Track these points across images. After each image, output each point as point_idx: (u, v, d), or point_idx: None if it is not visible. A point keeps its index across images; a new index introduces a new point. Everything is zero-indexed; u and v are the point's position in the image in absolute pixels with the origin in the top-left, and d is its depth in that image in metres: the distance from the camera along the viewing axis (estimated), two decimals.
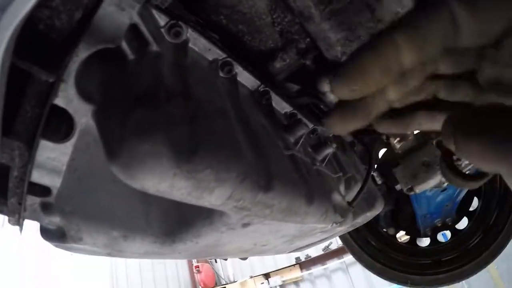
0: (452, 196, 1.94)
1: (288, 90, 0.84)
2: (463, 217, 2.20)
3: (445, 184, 1.35)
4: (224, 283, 9.09)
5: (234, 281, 8.80)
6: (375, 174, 1.78)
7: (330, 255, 8.03)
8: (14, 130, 0.40)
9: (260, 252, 0.98)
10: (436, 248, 2.21)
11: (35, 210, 0.61)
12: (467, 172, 0.86)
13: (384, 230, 2.27)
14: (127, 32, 0.47)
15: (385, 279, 2.24)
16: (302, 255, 8.28)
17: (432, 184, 1.25)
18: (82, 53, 0.42)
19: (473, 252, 2.11)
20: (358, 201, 1.12)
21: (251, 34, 0.71)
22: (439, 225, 2.13)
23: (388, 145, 1.60)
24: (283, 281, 8.24)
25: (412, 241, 2.28)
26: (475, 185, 0.86)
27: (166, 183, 0.43)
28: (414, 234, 2.25)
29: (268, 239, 0.80)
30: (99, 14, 0.43)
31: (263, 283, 8.25)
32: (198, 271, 8.83)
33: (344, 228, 1.29)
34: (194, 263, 9.24)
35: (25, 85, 0.37)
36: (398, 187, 1.32)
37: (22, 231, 0.65)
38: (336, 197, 0.92)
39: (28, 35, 0.38)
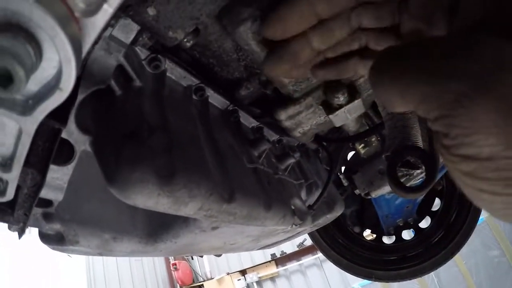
0: (412, 198, 2.06)
1: (253, 112, 0.97)
2: (425, 216, 2.34)
3: None
4: (202, 280, 9.17)
5: (211, 278, 8.89)
6: (341, 177, 1.91)
7: (304, 251, 8.21)
8: (29, 160, 0.50)
9: (230, 250, 1.10)
10: (400, 245, 2.34)
11: (37, 219, 0.72)
12: (409, 184, 0.96)
13: (350, 228, 2.42)
14: (114, 71, 0.58)
15: (351, 274, 2.37)
16: (277, 251, 8.40)
17: (387, 190, 1.37)
18: (80, 96, 0.53)
19: (435, 249, 2.25)
20: (318, 204, 1.25)
21: (220, 66, 0.82)
22: (401, 224, 2.27)
23: (354, 150, 1.72)
24: (259, 277, 8.38)
25: (378, 239, 2.39)
26: (414, 196, 0.96)
27: (152, 201, 0.56)
28: (379, 232, 2.37)
29: (236, 239, 0.93)
30: (91, 59, 0.53)
31: (239, 279, 8.36)
32: (176, 269, 8.89)
33: (306, 228, 1.42)
34: (172, 260, 9.26)
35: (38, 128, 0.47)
36: (357, 191, 1.44)
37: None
38: (296, 202, 1.04)
39: None
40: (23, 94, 0.33)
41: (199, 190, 0.60)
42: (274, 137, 1.08)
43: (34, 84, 0.33)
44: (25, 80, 0.29)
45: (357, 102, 0.80)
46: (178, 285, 9.12)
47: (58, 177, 0.62)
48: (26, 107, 0.34)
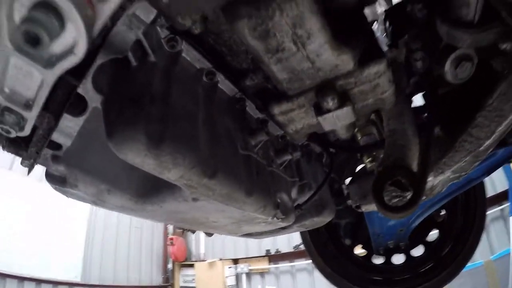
0: (406, 223, 2.07)
1: (256, 103, 1.02)
2: (418, 245, 2.33)
3: None
4: (194, 260, 9.36)
5: (204, 260, 9.03)
6: (344, 187, 1.93)
7: (299, 254, 8.19)
8: (48, 106, 0.59)
9: (213, 228, 1.16)
10: (388, 268, 2.34)
11: (46, 159, 0.82)
12: (393, 204, 0.98)
13: (342, 239, 2.44)
14: (132, 45, 0.65)
15: (332, 283, 2.38)
16: (273, 249, 8.50)
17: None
18: (98, 61, 0.61)
19: (421, 279, 2.26)
20: (307, 205, 1.30)
21: (231, 55, 0.89)
22: (391, 246, 2.25)
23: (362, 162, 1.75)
24: (250, 269, 8.50)
25: (368, 257, 2.40)
26: (392, 216, 0.96)
27: (139, 159, 0.65)
28: (370, 250, 2.36)
29: (217, 217, 0.99)
30: (113, 32, 0.61)
31: (230, 267, 8.50)
32: (172, 244, 9.08)
33: (292, 227, 1.47)
34: (170, 235, 9.51)
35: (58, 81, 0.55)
36: (349, 202, 1.46)
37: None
38: (283, 197, 1.10)
39: None
40: (47, 53, 0.45)
41: (183, 160, 0.67)
42: (279, 132, 1.13)
43: (57, 47, 0.45)
44: (48, 43, 0.43)
45: (346, 110, 0.82)
46: (171, 259, 9.34)
47: (70, 126, 0.73)
48: (49, 63, 0.47)
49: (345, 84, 0.80)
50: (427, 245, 2.35)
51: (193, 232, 1.83)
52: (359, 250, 2.45)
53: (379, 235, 2.16)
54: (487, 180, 6.31)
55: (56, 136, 0.74)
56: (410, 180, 0.95)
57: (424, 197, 1.40)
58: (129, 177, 0.91)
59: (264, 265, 8.48)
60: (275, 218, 1.06)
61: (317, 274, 7.67)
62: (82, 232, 7.64)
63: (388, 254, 2.31)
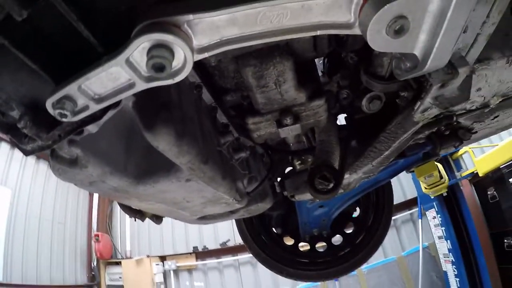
0: (328, 213, 2.48)
1: (229, 112, 1.36)
2: (337, 234, 2.79)
3: (318, 200, 1.87)
4: (120, 257, 9.16)
5: (130, 258, 8.93)
6: (276, 184, 2.30)
7: (226, 250, 8.54)
8: None
9: (181, 208, 1.43)
10: (313, 253, 2.78)
11: (62, 142, 0.84)
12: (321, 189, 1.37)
13: (274, 228, 2.83)
14: None
15: (266, 266, 2.74)
16: (200, 245, 8.69)
17: (308, 197, 1.76)
18: None
19: (340, 261, 2.73)
20: (255, 193, 1.65)
21: (220, 76, 1.23)
22: (316, 234, 2.68)
23: (292, 166, 2.12)
24: (178, 266, 8.57)
25: (295, 245, 2.81)
26: (321, 197, 1.34)
27: (168, 147, 0.92)
28: (297, 239, 2.79)
29: (194, 197, 1.28)
30: None
31: (158, 264, 8.49)
32: (97, 240, 8.76)
33: (240, 211, 1.80)
34: (94, 231, 9.18)
35: None
36: (285, 193, 1.81)
37: None
38: (239, 184, 1.44)
39: None
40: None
41: (193, 149, 0.97)
42: (235, 135, 1.46)
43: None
44: (169, 69, 0.63)
45: (297, 126, 1.26)
46: (96, 257, 8.98)
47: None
48: (150, 80, 0.67)
49: (298, 110, 1.25)
50: (345, 235, 2.82)
51: (160, 221, 2.06)
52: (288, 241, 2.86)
53: (306, 224, 2.56)
54: (398, 189, 7.17)
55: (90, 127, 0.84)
56: (332, 174, 1.36)
57: (342, 190, 1.82)
58: (126, 162, 1.07)
59: (191, 261, 8.63)
60: (234, 200, 1.39)
61: (244, 270, 8.13)
62: (2, 229, 7.11)
63: (313, 241, 2.74)
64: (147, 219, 2.12)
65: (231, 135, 1.34)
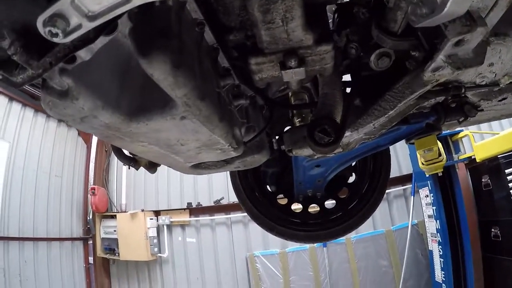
0: (324, 174, 2.46)
1: (231, 53, 1.31)
2: (331, 197, 2.83)
3: (316, 157, 1.84)
4: (116, 211, 9.24)
5: (125, 211, 8.99)
6: (274, 140, 2.28)
7: (219, 208, 8.64)
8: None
9: (176, 152, 1.40)
10: (304, 214, 2.79)
11: (53, 71, 0.83)
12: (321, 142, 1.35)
13: (268, 186, 2.83)
14: None
15: (258, 223, 2.77)
16: (194, 202, 8.79)
17: (306, 153, 1.71)
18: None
19: (331, 224, 2.75)
20: (252, 143, 1.62)
21: (224, 13, 1.17)
22: (310, 195, 2.70)
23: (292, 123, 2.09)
24: (171, 221, 8.70)
25: (288, 205, 2.84)
26: (321, 150, 1.32)
27: (163, 76, 0.88)
28: (291, 198, 2.81)
29: (188, 139, 1.24)
30: None
31: (152, 219, 8.61)
32: (94, 194, 8.77)
33: (235, 164, 1.78)
34: (91, 184, 9.21)
35: None
36: (283, 147, 1.77)
37: None
38: (236, 131, 1.40)
39: None
40: None
41: (190, 83, 0.94)
42: (236, 81, 1.41)
43: None
44: None
45: (301, 69, 1.20)
46: (91, 210, 9.05)
47: (96, 42, 0.82)
48: None
49: (304, 53, 1.18)
50: (338, 199, 2.83)
51: (154, 170, 2.05)
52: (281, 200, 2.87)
53: (301, 183, 2.55)
54: (395, 163, 7.25)
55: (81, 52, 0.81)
56: (333, 128, 1.33)
57: (341, 149, 1.80)
58: (119, 97, 1.02)
59: (185, 217, 8.74)
60: (230, 146, 1.36)
61: (235, 228, 8.30)
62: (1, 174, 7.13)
63: (306, 202, 2.76)
64: (141, 168, 2.12)
65: (231, 78, 1.29)
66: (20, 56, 0.72)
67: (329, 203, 2.85)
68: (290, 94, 2.07)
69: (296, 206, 2.82)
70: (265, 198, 2.82)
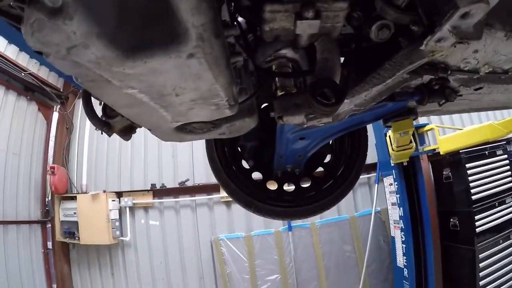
0: (306, 148, 2.41)
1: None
2: (307, 175, 2.81)
3: (305, 125, 1.79)
4: (76, 192, 8.85)
5: (86, 192, 8.65)
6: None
7: (184, 190, 8.45)
8: None
9: (166, 106, 1.28)
10: (280, 191, 2.77)
11: None
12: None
13: (246, 160, 2.77)
14: None
15: (234, 199, 2.71)
16: (158, 183, 8.57)
17: (296, 121, 1.66)
18: None
19: (306, 202, 2.75)
20: (244, 105, 1.55)
21: None
22: (289, 170, 2.68)
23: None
24: (134, 203, 8.42)
25: (263, 181, 2.80)
26: (326, 109, 1.36)
27: None
28: (267, 175, 2.77)
29: (186, 87, 1.12)
30: None
31: (114, 200, 8.31)
32: (53, 173, 8.31)
33: (224, 132, 1.70)
34: (50, 163, 8.77)
35: None
36: (272, 114, 1.73)
37: None
38: (233, 88, 1.32)
39: None
40: None
41: (210, 12, 0.86)
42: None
43: None
44: None
45: (316, 22, 1.22)
46: (50, 191, 8.60)
47: None
48: None
49: (321, 6, 1.20)
50: (313, 178, 2.83)
51: (129, 137, 1.93)
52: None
53: (282, 157, 2.51)
54: None
55: None
56: (334, 90, 1.31)
57: (330, 120, 1.77)
58: (117, 28, 0.88)
59: (148, 199, 8.49)
60: (227, 102, 1.28)
61: (200, 212, 8.21)
62: None
63: (283, 179, 2.74)
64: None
65: (236, 29, 1.22)
66: None
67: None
68: (274, 67, 2.02)
69: (273, 186, 2.79)
70: (241, 173, 2.76)
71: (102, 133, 1.96)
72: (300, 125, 1.79)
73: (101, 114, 1.80)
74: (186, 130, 1.66)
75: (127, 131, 1.95)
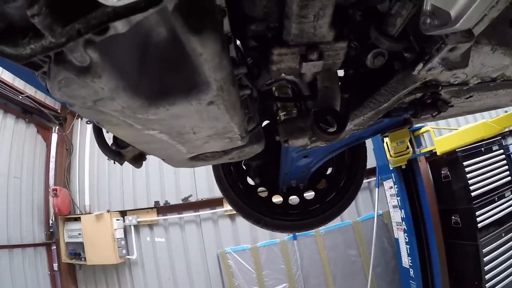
0: (309, 165, 2.52)
1: (251, 43, 1.36)
2: (310, 188, 2.92)
3: (309, 147, 1.90)
4: (80, 213, 8.83)
5: (90, 213, 8.62)
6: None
7: (187, 206, 8.52)
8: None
9: (183, 142, 1.37)
10: (285, 205, 2.87)
11: (78, 43, 0.70)
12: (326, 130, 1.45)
13: (252, 178, 2.88)
14: None
15: (243, 215, 2.81)
16: (162, 200, 8.61)
17: (301, 143, 1.77)
18: None
19: (310, 215, 2.86)
20: (254, 132, 1.66)
21: (249, 4, 1.21)
22: (294, 185, 2.78)
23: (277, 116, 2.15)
24: (138, 221, 8.44)
25: (269, 197, 2.89)
26: (329, 137, 1.45)
27: (211, 55, 0.85)
28: (273, 190, 2.88)
29: (204, 127, 1.22)
30: None
31: (118, 219, 8.32)
32: (56, 195, 8.28)
33: (234, 156, 1.80)
34: (52, 185, 8.76)
35: None
36: (277, 138, 1.83)
37: None
38: (245, 123, 1.43)
39: None
40: None
41: (229, 66, 0.96)
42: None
43: None
44: None
45: (319, 63, 1.31)
46: (54, 213, 8.56)
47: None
48: None
49: (324, 48, 1.28)
50: (317, 191, 2.93)
51: (140, 165, 2.02)
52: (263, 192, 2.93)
53: (287, 174, 2.61)
54: None
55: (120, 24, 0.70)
56: (336, 117, 1.42)
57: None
58: (139, 79, 0.91)
59: (152, 217, 8.54)
60: (240, 135, 1.38)
61: (205, 226, 8.25)
62: None
63: (287, 195, 2.84)
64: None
65: (245, 68, 1.32)
66: (43, 19, 0.61)
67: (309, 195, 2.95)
68: (274, 88, 2.16)
69: (277, 199, 2.88)
70: (249, 190, 2.86)
71: (114, 163, 2.05)
72: (304, 147, 1.91)
73: (112, 143, 1.85)
74: (198, 158, 1.76)
75: (138, 159, 2.04)
